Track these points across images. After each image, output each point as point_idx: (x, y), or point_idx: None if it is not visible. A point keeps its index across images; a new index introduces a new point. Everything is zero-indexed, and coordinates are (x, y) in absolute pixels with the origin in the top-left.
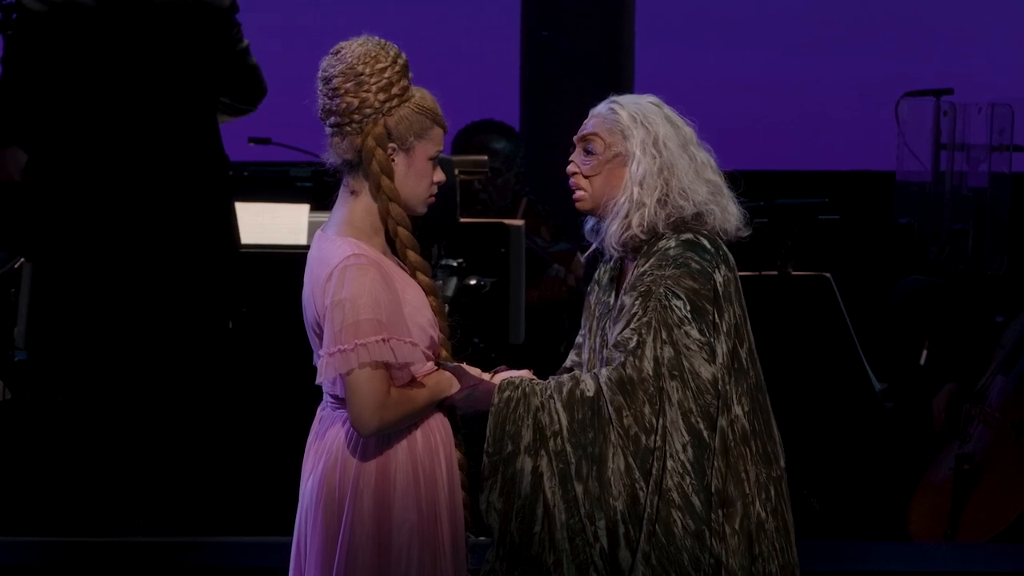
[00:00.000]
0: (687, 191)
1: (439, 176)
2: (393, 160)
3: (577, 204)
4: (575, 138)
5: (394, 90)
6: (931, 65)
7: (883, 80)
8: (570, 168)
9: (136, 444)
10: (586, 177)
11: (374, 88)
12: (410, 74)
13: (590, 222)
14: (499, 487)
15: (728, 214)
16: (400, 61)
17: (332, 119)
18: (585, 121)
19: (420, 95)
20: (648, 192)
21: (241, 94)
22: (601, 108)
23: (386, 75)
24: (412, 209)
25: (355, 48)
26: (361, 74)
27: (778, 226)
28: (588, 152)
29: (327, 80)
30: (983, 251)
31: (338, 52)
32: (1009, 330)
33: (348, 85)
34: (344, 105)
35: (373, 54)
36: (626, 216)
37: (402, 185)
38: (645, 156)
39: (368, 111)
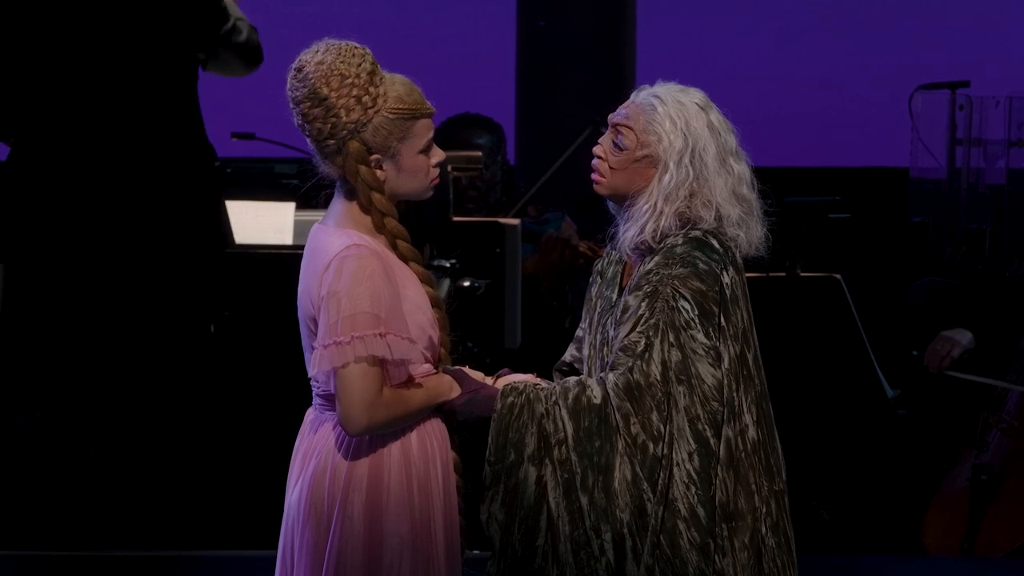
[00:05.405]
0: (713, 205)
1: (437, 157)
2: (381, 167)
3: (594, 187)
4: (609, 118)
5: (364, 100)
6: (946, 56)
7: (896, 72)
8: (596, 151)
9: (115, 453)
10: (611, 168)
11: (343, 111)
12: (379, 73)
13: (614, 225)
14: (501, 497)
15: (752, 237)
16: (365, 67)
17: (309, 141)
18: (622, 106)
19: (394, 94)
20: (671, 203)
21: (232, 70)
22: (642, 98)
23: (353, 92)
24: (416, 198)
25: (315, 65)
26: (327, 99)
27: (786, 225)
28: (617, 145)
29: (295, 103)
30: (1001, 251)
31: (300, 70)
32: None
33: (316, 111)
34: (316, 132)
35: (337, 70)
36: (643, 223)
37: (397, 186)
38: (679, 170)
39: (343, 133)
